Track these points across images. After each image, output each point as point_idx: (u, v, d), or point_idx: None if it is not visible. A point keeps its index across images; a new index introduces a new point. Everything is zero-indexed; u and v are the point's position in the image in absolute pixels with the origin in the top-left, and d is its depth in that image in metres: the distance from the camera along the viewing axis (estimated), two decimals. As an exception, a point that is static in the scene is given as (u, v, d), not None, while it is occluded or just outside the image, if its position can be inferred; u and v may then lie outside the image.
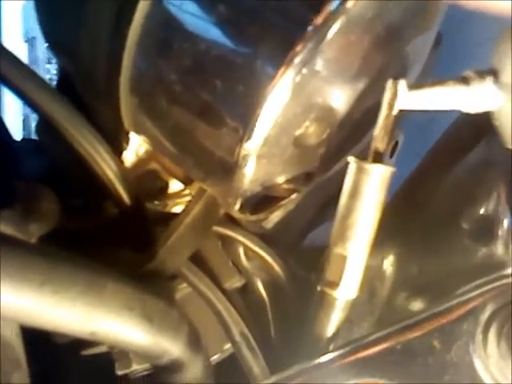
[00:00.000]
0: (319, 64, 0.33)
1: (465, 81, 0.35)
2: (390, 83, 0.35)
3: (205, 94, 0.34)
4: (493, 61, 0.35)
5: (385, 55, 0.38)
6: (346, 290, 0.37)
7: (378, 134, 0.35)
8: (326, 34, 0.32)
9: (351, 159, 0.36)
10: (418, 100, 0.35)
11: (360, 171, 0.36)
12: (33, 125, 1.60)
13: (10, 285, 0.27)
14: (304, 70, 0.33)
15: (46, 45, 1.67)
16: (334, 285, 0.37)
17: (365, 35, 0.35)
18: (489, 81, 0.34)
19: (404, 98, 0.35)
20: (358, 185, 0.36)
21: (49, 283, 0.28)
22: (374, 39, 0.36)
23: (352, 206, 0.36)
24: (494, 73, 0.34)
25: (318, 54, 0.33)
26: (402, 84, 0.34)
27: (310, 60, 0.33)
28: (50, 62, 1.56)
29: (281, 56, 0.32)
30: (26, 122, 1.61)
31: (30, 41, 1.63)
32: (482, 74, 0.35)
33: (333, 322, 0.38)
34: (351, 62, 0.36)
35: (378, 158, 0.35)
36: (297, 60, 0.32)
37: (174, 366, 0.37)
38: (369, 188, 0.35)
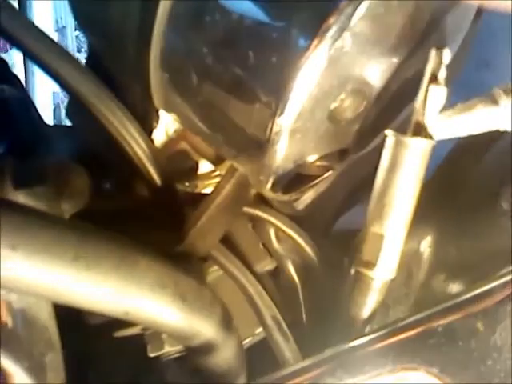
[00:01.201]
0: (354, 36, 0.32)
1: (493, 100, 0.33)
2: (433, 53, 0.33)
3: (236, 67, 0.33)
4: None
5: (422, 26, 0.36)
6: (383, 270, 0.36)
7: (420, 106, 0.34)
8: (360, 5, 0.31)
9: (389, 132, 0.34)
10: (449, 129, 0.34)
11: (399, 145, 0.34)
12: (63, 114, 1.62)
13: (44, 259, 0.27)
14: (338, 42, 0.31)
15: (76, 33, 1.69)
16: (371, 265, 0.36)
17: (401, 6, 0.34)
18: None
19: (435, 127, 0.34)
20: (396, 159, 0.34)
21: (82, 258, 0.27)
22: (411, 10, 0.34)
23: (390, 182, 0.35)
24: None
25: (352, 26, 0.31)
26: (446, 53, 0.33)
27: (345, 31, 0.31)
28: (79, 51, 1.57)
29: (314, 27, 0.31)
30: (56, 110, 1.64)
31: (61, 30, 1.66)
32: (508, 89, 0.33)
33: (369, 304, 0.37)
34: (387, 33, 0.34)
35: (419, 130, 0.34)
36: (331, 32, 0.31)
37: (207, 348, 0.37)
38: (408, 162, 0.34)
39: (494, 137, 0.47)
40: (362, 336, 0.34)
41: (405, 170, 0.34)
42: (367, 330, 0.38)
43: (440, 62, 0.33)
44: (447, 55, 0.33)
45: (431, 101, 0.34)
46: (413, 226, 0.43)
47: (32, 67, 1.59)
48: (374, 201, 0.36)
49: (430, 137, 0.34)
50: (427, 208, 0.49)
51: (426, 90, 0.34)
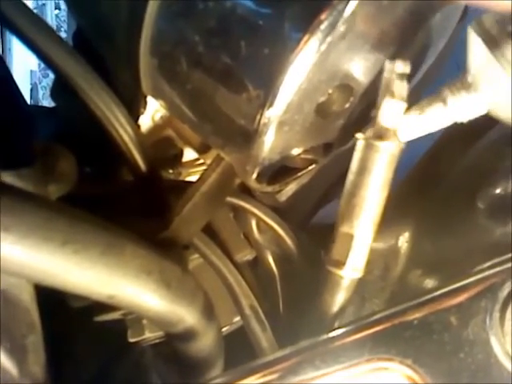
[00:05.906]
0: (345, 32, 0.32)
1: (442, 100, 0.34)
2: (386, 65, 0.34)
3: (228, 56, 0.33)
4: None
5: (411, 25, 0.37)
6: (352, 269, 0.37)
7: (379, 114, 0.34)
8: (352, 2, 0.31)
9: (359, 136, 0.35)
10: (408, 132, 0.35)
11: (369, 148, 0.35)
12: (40, 94, 1.59)
13: (35, 242, 0.26)
14: (329, 38, 0.32)
15: (56, 12, 1.65)
16: (340, 264, 0.37)
17: (391, 5, 0.34)
18: (463, 94, 0.34)
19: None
20: (365, 162, 0.35)
21: (71, 243, 0.27)
22: (401, 9, 0.35)
23: (359, 184, 0.35)
24: (464, 82, 0.34)
25: (344, 22, 0.32)
26: (399, 65, 0.34)
27: (336, 27, 0.32)
28: (59, 31, 1.54)
29: (307, 22, 0.31)
30: (33, 91, 1.60)
31: (40, 8, 1.62)
32: (455, 88, 0.34)
33: (337, 302, 0.38)
34: (376, 31, 0.35)
35: (386, 135, 0.34)
36: (322, 27, 0.31)
37: (188, 335, 0.37)
38: (377, 165, 0.35)
39: (474, 136, 0.48)
40: (340, 327, 0.34)
41: (374, 172, 0.35)
42: (336, 325, 0.39)
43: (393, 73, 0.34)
44: (400, 67, 0.34)
45: (385, 113, 0.35)
46: (392, 222, 0.44)
47: (9, 44, 1.55)
48: (344, 202, 0.36)
49: (399, 140, 0.35)
50: (406, 203, 0.50)
51: (384, 97, 0.34)
